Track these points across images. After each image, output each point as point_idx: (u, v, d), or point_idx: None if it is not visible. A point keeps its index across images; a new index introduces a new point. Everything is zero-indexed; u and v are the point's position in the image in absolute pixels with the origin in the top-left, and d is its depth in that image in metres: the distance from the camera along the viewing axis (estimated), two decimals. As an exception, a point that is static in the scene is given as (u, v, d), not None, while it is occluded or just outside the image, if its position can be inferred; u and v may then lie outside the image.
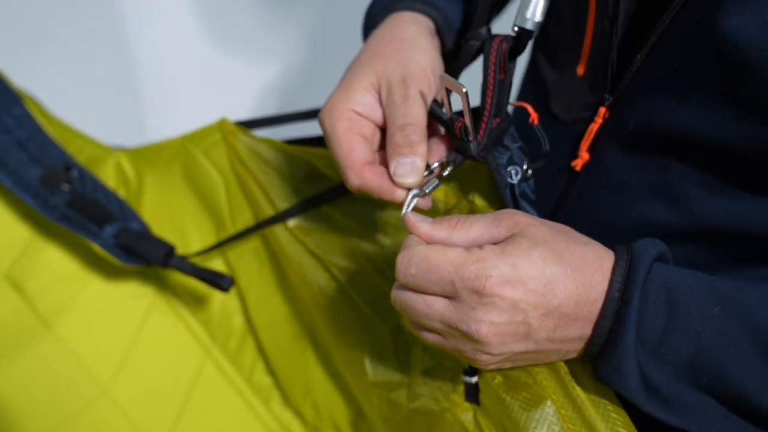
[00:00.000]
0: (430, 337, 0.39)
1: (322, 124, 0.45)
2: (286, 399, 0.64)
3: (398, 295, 0.39)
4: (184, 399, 0.63)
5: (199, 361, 0.65)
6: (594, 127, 0.46)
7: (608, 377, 0.38)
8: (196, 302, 0.65)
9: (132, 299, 0.64)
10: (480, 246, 0.38)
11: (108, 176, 0.65)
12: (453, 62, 0.50)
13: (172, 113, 1.17)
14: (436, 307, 0.37)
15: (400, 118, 0.43)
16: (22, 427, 0.59)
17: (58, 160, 0.61)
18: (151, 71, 1.19)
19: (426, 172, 0.43)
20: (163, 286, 0.65)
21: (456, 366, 0.47)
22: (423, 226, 0.39)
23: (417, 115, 0.43)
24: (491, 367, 0.39)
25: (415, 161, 0.42)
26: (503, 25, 0.49)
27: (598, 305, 0.37)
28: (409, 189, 0.42)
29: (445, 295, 0.37)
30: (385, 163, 0.44)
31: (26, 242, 0.62)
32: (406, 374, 0.50)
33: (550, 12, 0.43)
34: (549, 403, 0.39)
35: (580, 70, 0.48)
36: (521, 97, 0.60)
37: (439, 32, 0.50)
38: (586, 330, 0.38)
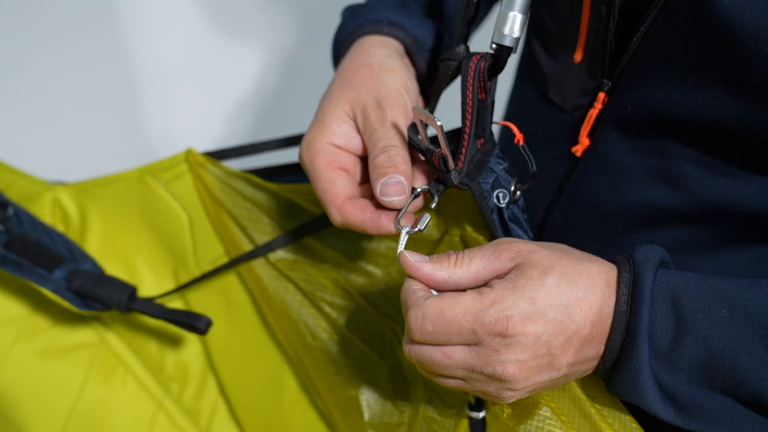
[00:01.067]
0: (451, 383, 0.38)
1: (301, 161, 0.44)
2: (254, 448, 0.59)
3: (413, 350, 0.38)
4: (136, 459, 0.57)
5: (150, 415, 0.58)
6: (593, 113, 0.46)
7: (624, 390, 0.38)
8: (146, 349, 0.60)
9: (73, 351, 0.57)
10: (488, 283, 0.38)
11: (43, 214, 0.58)
12: (430, 84, 0.49)
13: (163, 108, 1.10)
14: (456, 357, 0.37)
15: (381, 141, 0.42)
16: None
17: (-12, 196, 0.54)
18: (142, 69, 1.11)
19: (412, 196, 0.42)
20: (106, 332, 0.59)
21: (459, 402, 0.47)
22: (423, 267, 0.38)
23: (397, 137, 0.42)
24: (513, 400, 0.39)
25: (402, 180, 0.41)
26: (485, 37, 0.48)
27: (610, 320, 0.37)
28: (398, 210, 0.41)
29: (465, 344, 0.37)
30: (369, 195, 0.43)
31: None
32: (405, 413, 0.49)
33: None
34: (559, 425, 0.41)
35: (578, 56, 0.47)
36: (517, 87, 0.59)
37: (409, 53, 0.49)
38: (601, 347, 0.38)
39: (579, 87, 0.47)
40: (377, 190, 0.41)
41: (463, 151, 0.41)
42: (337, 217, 0.42)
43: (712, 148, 0.41)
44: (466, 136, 0.42)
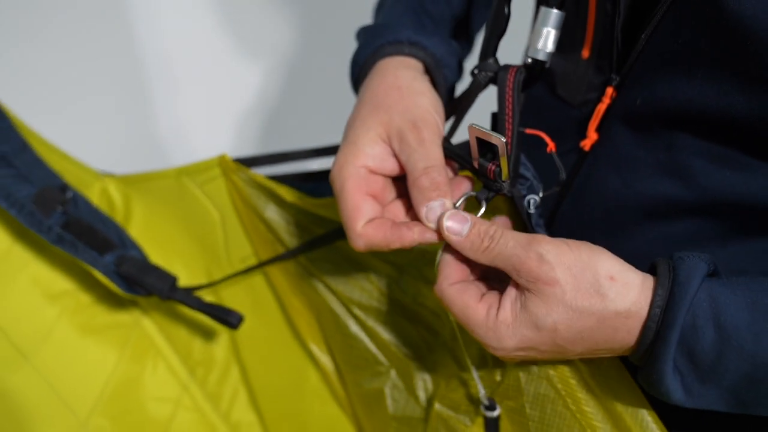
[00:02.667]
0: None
1: (332, 183, 0.45)
2: (269, 436, 0.64)
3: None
4: (160, 435, 0.61)
5: (176, 396, 0.63)
6: (602, 108, 0.46)
7: (649, 388, 0.40)
8: (176, 334, 0.64)
9: (110, 329, 0.62)
10: (501, 290, 0.41)
11: (92, 201, 0.63)
12: (449, 101, 0.50)
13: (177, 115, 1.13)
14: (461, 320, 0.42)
15: (421, 161, 0.42)
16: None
17: (49, 179, 0.58)
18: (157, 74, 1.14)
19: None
20: (141, 316, 0.64)
21: (475, 405, 0.51)
22: (458, 242, 0.40)
23: (438, 157, 0.43)
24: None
25: (445, 203, 0.42)
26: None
27: (636, 330, 0.38)
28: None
29: None
30: (405, 210, 0.45)
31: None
32: (426, 409, 0.53)
33: None
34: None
35: (585, 53, 0.47)
36: None
37: (429, 71, 0.50)
38: (626, 342, 0.39)
39: (587, 82, 0.48)
40: (422, 214, 0.42)
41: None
42: (358, 242, 0.43)
43: (721, 141, 0.41)
44: (509, 147, 0.42)
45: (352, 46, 0.54)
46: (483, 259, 0.40)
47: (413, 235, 0.42)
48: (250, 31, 1.21)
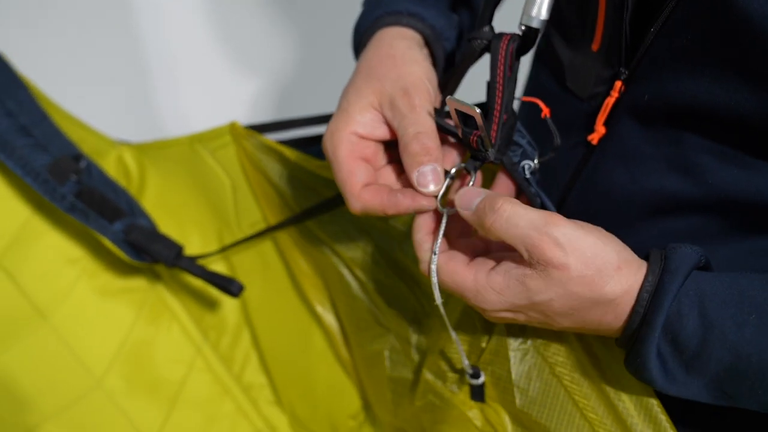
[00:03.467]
0: None
1: (324, 150, 0.45)
2: (278, 397, 0.66)
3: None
4: (175, 395, 0.64)
5: (189, 358, 0.66)
6: (610, 101, 0.46)
7: (633, 373, 0.41)
8: (190, 298, 0.66)
9: (126, 293, 0.64)
10: (493, 266, 0.41)
11: (108, 169, 0.65)
12: (448, 71, 0.50)
13: (179, 102, 1.16)
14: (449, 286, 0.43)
15: (411, 127, 0.43)
16: (15, 415, 0.58)
17: (65, 149, 0.60)
18: (158, 62, 1.17)
19: (447, 178, 0.43)
20: (157, 280, 0.66)
21: (461, 373, 0.51)
22: (466, 216, 0.41)
23: (428, 123, 0.43)
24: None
25: (436, 167, 0.42)
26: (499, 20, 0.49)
27: (618, 321, 0.39)
28: (436, 197, 0.43)
29: None
30: (396, 175, 0.46)
31: (18, 231, 0.61)
32: (417, 373, 0.54)
33: None
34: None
35: (595, 46, 0.47)
36: (533, 75, 0.59)
37: (428, 43, 0.50)
38: (613, 321, 0.40)
39: (596, 75, 0.48)
40: (414, 179, 0.42)
41: (494, 128, 0.43)
42: (356, 204, 0.44)
43: (728, 138, 0.41)
44: (496, 113, 0.43)
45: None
46: (491, 236, 0.40)
47: (408, 202, 0.43)
48: (255, 20, 1.21)
